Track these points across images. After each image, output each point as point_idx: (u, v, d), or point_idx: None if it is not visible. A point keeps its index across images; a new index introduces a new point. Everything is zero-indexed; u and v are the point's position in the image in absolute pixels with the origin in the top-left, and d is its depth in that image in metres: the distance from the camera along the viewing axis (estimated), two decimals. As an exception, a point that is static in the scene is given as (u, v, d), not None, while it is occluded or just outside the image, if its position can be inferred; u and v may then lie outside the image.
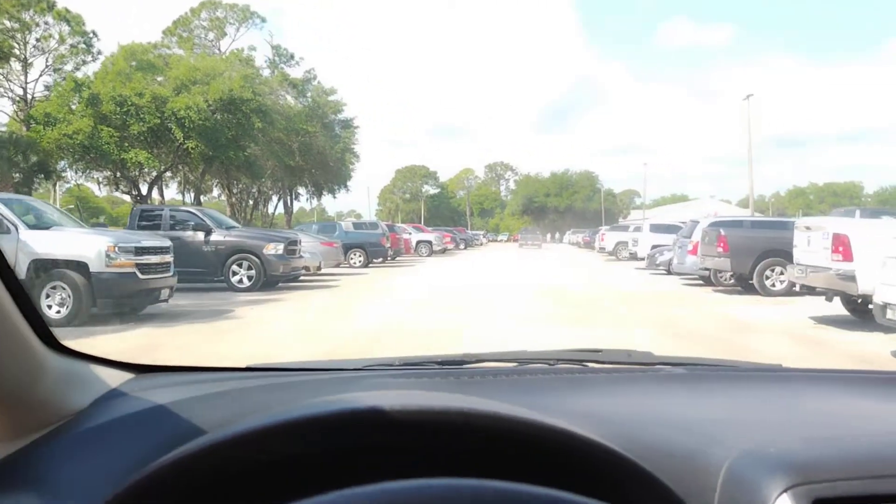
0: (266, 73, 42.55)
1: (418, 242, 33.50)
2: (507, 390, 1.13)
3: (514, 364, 1.34)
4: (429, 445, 0.64)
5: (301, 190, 55.82)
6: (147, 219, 14.35)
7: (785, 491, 0.74)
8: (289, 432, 0.61)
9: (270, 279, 14.14)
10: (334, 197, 56.94)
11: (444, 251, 37.36)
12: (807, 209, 79.61)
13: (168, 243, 10.34)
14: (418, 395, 0.70)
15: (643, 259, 24.62)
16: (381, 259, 24.53)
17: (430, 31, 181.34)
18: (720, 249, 13.31)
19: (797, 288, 9.76)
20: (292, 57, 45.76)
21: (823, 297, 9.67)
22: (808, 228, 9.44)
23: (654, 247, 23.87)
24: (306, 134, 40.52)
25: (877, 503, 0.76)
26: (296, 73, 44.43)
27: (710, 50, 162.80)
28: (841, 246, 8.50)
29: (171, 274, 10.13)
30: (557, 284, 16.49)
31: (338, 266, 20.46)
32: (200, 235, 13.99)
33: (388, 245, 24.17)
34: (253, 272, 13.93)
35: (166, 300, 10.11)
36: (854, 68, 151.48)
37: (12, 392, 0.85)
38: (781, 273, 13.08)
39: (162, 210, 15.46)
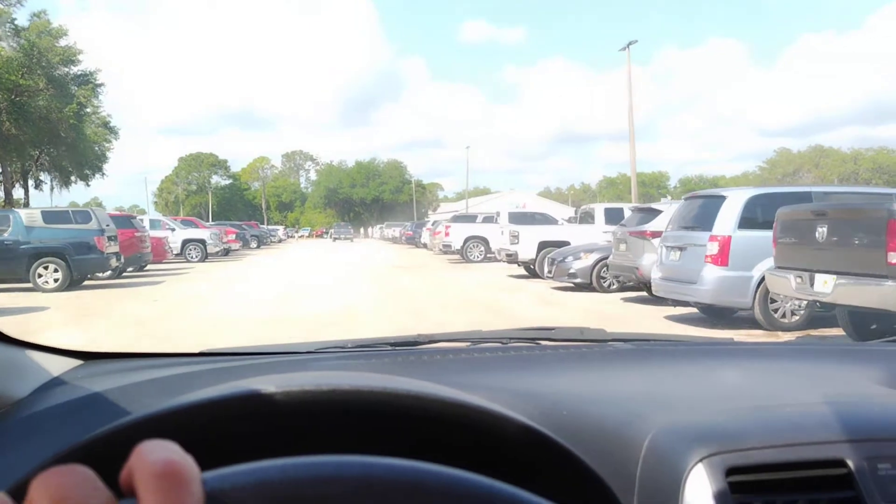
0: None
1: (185, 242, 23.02)
2: (458, 370, 1.10)
3: (468, 344, 1.32)
4: (344, 426, 0.61)
5: (44, 176, 42.87)
6: None
7: (700, 461, 0.76)
8: (187, 416, 0.58)
9: None
10: (87, 185, 43.87)
11: (226, 252, 27.04)
12: (618, 199, 77.73)
13: None
14: (342, 376, 0.65)
15: (523, 263, 16.52)
16: (104, 273, 14.27)
17: (216, 11, 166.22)
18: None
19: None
20: (12, -6, 32.40)
21: None
22: None
23: (542, 244, 15.85)
24: (21, 90, 28.12)
25: (791, 470, 0.77)
26: (20, 21, 31.32)
27: (505, 50, 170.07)
28: None
29: None
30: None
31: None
32: None
33: (114, 249, 13.91)
34: None
35: None
36: (623, 75, 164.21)
37: None
38: None
39: None
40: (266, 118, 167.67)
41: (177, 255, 22.71)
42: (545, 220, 21.95)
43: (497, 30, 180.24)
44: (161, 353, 1.17)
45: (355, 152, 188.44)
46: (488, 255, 22.93)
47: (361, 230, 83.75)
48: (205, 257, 23.18)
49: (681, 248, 8.25)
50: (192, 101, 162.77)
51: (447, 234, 24.11)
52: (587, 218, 17.77)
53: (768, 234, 7.32)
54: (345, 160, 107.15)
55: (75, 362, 1.08)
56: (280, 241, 54.25)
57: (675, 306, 8.65)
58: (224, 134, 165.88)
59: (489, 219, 24.58)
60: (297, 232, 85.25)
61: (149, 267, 18.60)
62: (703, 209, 8.19)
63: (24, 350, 1.00)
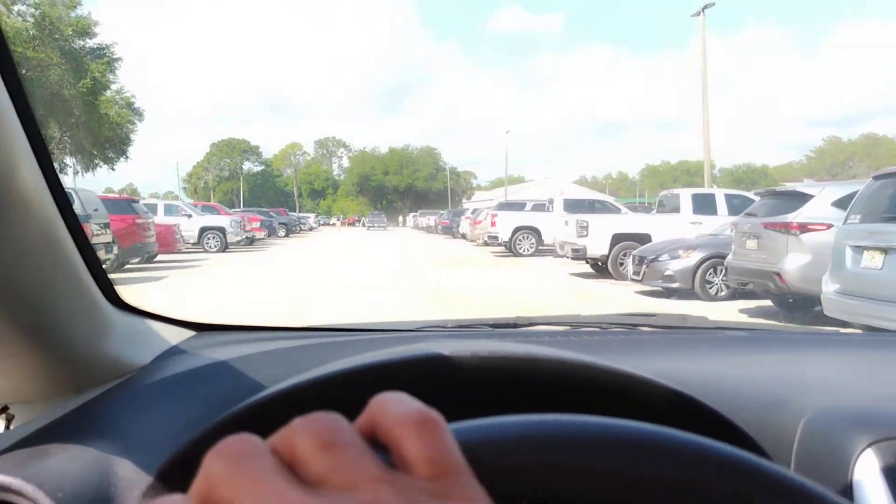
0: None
1: (203, 230, 20.78)
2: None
3: (567, 327, 1.26)
4: (488, 395, 0.62)
5: (69, 161, 41.15)
6: None
7: (869, 446, 0.73)
8: (352, 381, 0.60)
9: None
10: (112, 168, 41.92)
11: (250, 242, 24.81)
12: (660, 188, 74.30)
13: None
14: (484, 343, 0.65)
15: (592, 260, 13.84)
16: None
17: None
18: None
19: None
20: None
21: None
22: None
23: (617, 237, 13.16)
24: (33, 65, 26.13)
25: None
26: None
27: (540, 38, 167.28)
28: None
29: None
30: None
31: None
32: None
33: (105, 239, 11.60)
34: None
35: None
36: (664, 60, 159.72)
37: (80, 347, 0.85)
38: None
39: None
40: (298, 104, 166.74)
41: (194, 244, 20.51)
42: (606, 208, 19.21)
43: (532, 17, 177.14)
44: (269, 326, 1.16)
45: (387, 140, 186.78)
46: (540, 248, 20.30)
47: (399, 218, 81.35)
48: (224, 247, 20.90)
49: (882, 251, 5.57)
50: (226, 87, 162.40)
51: (493, 224, 21.40)
52: (663, 206, 15.02)
53: None
54: (378, 147, 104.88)
55: (189, 332, 1.09)
56: (311, 228, 52.17)
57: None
58: (257, 120, 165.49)
59: (540, 207, 21.93)
60: (338, 219, 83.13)
61: (159, 258, 16.41)
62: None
63: (143, 319, 1.02)
